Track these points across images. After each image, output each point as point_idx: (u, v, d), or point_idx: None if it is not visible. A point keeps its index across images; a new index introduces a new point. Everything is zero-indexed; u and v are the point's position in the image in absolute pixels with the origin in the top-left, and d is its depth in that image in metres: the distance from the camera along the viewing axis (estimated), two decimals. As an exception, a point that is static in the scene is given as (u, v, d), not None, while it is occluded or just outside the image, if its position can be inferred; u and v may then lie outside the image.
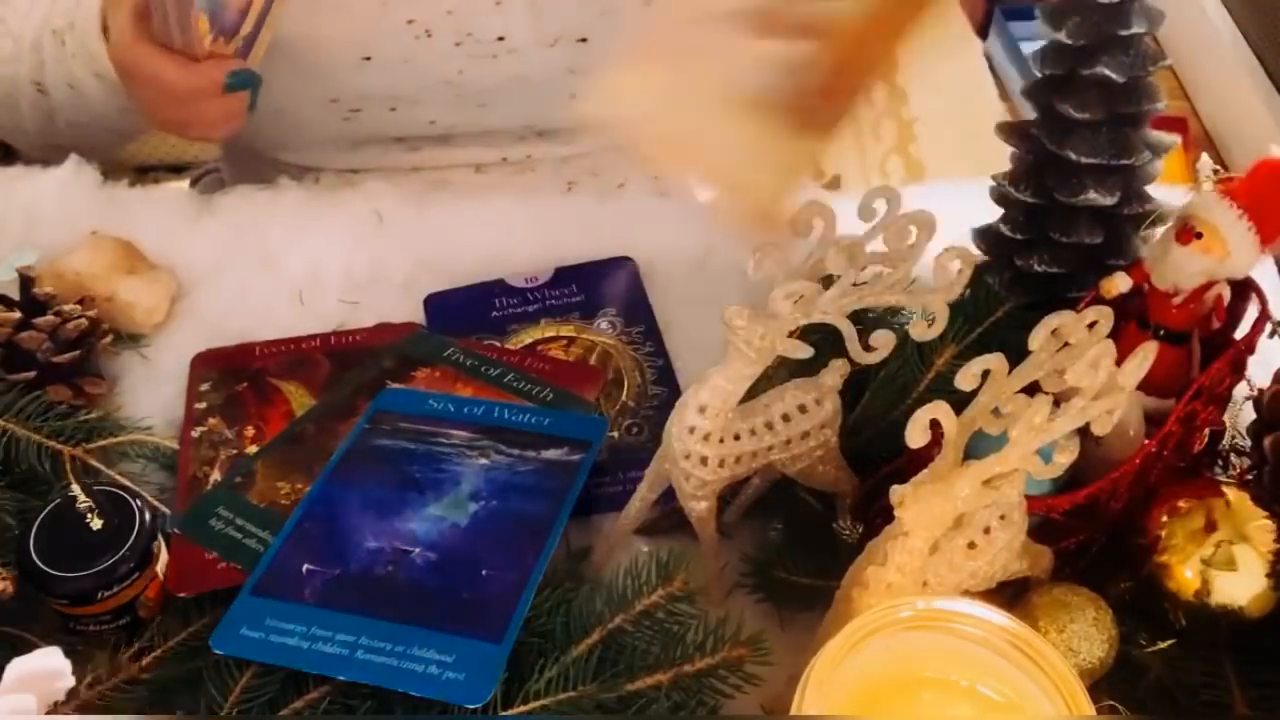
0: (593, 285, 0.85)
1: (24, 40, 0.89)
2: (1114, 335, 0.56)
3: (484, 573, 0.65)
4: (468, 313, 0.83)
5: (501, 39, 0.90)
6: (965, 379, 0.56)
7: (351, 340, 0.81)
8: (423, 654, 0.61)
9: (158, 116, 0.85)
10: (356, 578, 0.65)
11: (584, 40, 0.90)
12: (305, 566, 0.66)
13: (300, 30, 0.85)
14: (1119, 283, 0.69)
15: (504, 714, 0.60)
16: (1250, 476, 0.70)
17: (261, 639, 0.62)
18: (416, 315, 0.83)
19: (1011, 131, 0.77)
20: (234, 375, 0.78)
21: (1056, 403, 0.56)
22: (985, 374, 0.56)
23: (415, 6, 0.88)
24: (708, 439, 0.63)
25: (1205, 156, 0.69)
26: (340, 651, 0.61)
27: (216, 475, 0.73)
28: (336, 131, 0.95)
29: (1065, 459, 0.57)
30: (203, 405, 0.77)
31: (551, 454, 0.72)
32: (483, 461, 0.71)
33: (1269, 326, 0.69)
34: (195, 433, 0.75)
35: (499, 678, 0.60)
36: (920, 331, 0.63)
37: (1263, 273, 0.72)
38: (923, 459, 0.58)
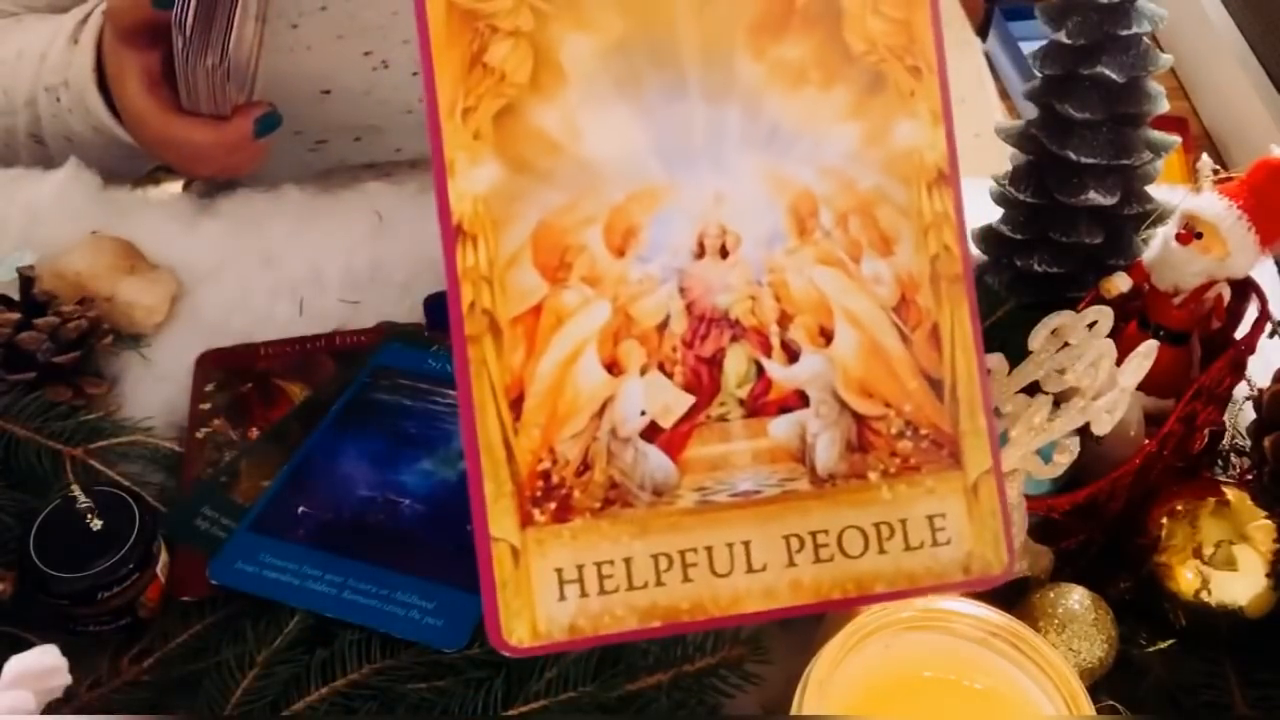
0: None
1: (16, 95, 0.89)
2: (1114, 335, 0.56)
3: (468, 527, 0.66)
4: (469, 311, 0.82)
5: None
6: (965, 379, 0.56)
7: (355, 340, 0.81)
8: (405, 599, 0.64)
9: (192, 172, 0.89)
10: (348, 523, 0.68)
11: None
12: (301, 508, 0.69)
13: (260, 66, 0.85)
14: (1119, 283, 0.69)
15: (504, 714, 0.61)
16: (1250, 476, 0.70)
17: (255, 573, 0.66)
18: (416, 315, 0.83)
19: (1011, 132, 0.77)
20: (238, 376, 0.78)
21: (1056, 403, 0.56)
22: (985, 374, 0.56)
23: (371, 38, 0.89)
24: (708, 439, 0.62)
25: (1205, 156, 0.69)
26: (328, 590, 0.65)
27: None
28: (304, 162, 0.95)
29: (1065, 459, 0.57)
30: (207, 406, 0.76)
31: None
32: None
33: (1269, 326, 0.69)
34: (200, 433, 0.75)
35: (474, 626, 0.63)
36: (920, 331, 0.63)
37: (1263, 273, 0.72)
38: (923, 459, 0.58)
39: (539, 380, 0.34)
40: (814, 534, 0.35)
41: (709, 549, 0.35)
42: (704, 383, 0.35)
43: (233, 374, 0.78)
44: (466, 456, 0.36)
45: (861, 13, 0.34)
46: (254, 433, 0.75)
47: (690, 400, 0.35)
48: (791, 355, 0.35)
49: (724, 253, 0.35)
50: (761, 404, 0.35)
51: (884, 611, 0.56)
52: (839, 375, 0.35)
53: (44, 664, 0.57)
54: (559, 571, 0.35)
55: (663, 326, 0.35)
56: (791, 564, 0.35)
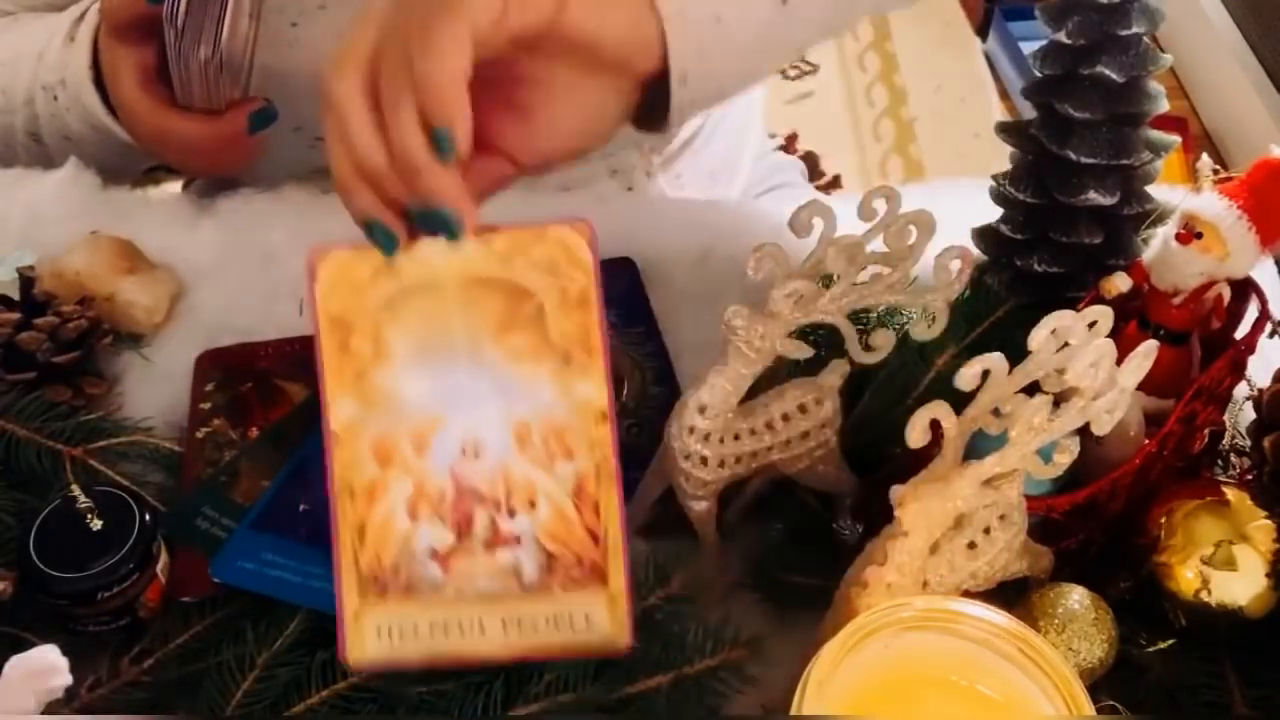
0: (593, 285, 0.85)
1: (15, 94, 0.89)
2: (1114, 335, 0.56)
3: None
4: (468, 313, 0.84)
5: None
6: (965, 379, 0.56)
7: (354, 340, 0.81)
8: None
9: (188, 168, 0.88)
10: None
11: None
12: (302, 506, 0.69)
13: (261, 60, 0.85)
14: (1119, 283, 0.69)
15: (504, 716, 0.61)
16: (1250, 476, 0.70)
17: (257, 570, 0.67)
18: (416, 315, 0.83)
19: (1011, 131, 0.77)
20: (238, 375, 0.78)
21: (1056, 403, 0.56)
22: (985, 374, 0.56)
23: None
24: (708, 439, 0.63)
25: (1205, 156, 0.69)
26: (329, 588, 0.64)
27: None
28: (302, 159, 0.95)
29: (1065, 459, 0.57)
30: (207, 406, 0.76)
31: None
32: None
33: (1269, 326, 0.69)
34: (200, 433, 0.75)
35: None
36: (920, 331, 0.63)
37: (1263, 273, 0.72)
38: (923, 459, 0.58)
39: (373, 522, 0.60)
40: (521, 618, 0.59)
41: (461, 621, 0.59)
42: (463, 528, 0.60)
43: (233, 374, 0.78)
44: (335, 565, 0.60)
45: (558, 317, 0.59)
46: (254, 433, 0.75)
47: (454, 537, 0.59)
48: (512, 514, 0.59)
49: (476, 455, 0.59)
50: (494, 542, 0.59)
51: (884, 611, 0.56)
52: (539, 528, 0.59)
53: (44, 664, 0.57)
54: (379, 625, 0.59)
55: (442, 495, 0.60)
56: (507, 634, 0.59)
